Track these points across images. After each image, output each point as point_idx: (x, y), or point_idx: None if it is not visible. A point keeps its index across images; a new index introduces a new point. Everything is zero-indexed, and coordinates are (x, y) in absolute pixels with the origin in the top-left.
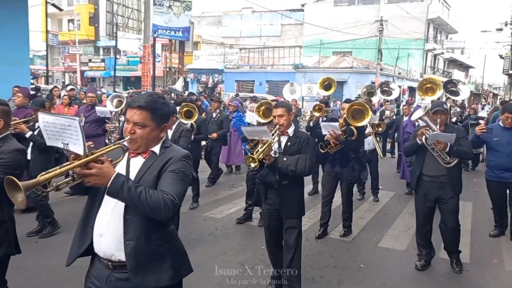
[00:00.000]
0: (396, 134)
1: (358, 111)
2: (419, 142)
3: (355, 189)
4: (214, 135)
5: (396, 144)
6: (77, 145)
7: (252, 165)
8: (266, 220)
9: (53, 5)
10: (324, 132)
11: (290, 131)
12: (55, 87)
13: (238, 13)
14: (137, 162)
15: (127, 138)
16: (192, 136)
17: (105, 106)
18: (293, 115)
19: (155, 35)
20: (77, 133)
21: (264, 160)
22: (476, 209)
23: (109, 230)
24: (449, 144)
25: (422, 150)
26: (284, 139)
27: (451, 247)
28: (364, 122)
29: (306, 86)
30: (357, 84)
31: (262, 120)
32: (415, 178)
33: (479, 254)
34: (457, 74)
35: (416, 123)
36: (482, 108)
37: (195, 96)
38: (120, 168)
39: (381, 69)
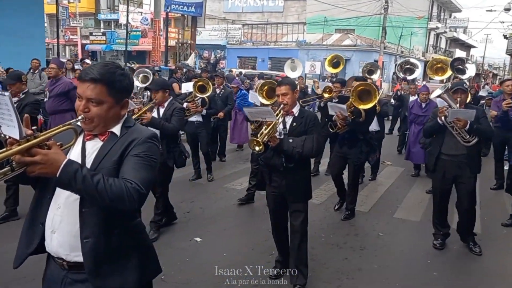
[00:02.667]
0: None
1: (365, 92)
2: (439, 122)
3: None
4: (221, 114)
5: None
6: (12, 127)
7: (257, 148)
8: (271, 204)
9: None
10: (331, 112)
11: (296, 110)
12: (68, 60)
13: None
14: (94, 146)
15: (79, 118)
16: (204, 111)
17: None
18: (297, 93)
19: (168, 10)
20: (10, 112)
21: (268, 143)
22: (482, 185)
23: (62, 226)
24: (469, 122)
25: (441, 129)
26: (289, 119)
27: (465, 229)
28: (371, 104)
29: (309, 63)
30: (360, 62)
31: (265, 102)
32: (433, 158)
33: (489, 226)
34: (459, 54)
35: (423, 104)
36: (483, 87)
37: (207, 74)
38: (74, 154)
39: (384, 48)
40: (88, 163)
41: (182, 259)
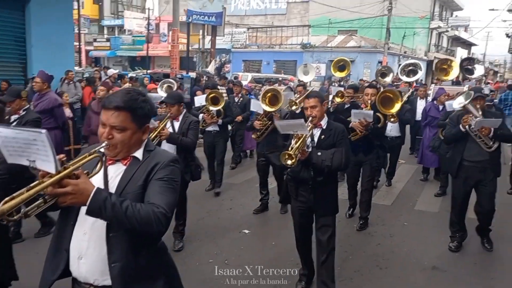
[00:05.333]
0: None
1: (387, 98)
2: (462, 129)
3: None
4: (240, 117)
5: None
6: (46, 162)
7: (289, 162)
8: (297, 218)
9: None
10: (354, 119)
11: (323, 123)
12: (96, 70)
13: None
14: (116, 170)
15: (103, 144)
16: (220, 121)
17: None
18: (326, 105)
19: (190, 20)
20: (45, 148)
21: (297, 155)
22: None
23: (90, 252)
24: (492, 128)
25: (464, 136)
26: (317, 132)
27: (483, 227)
28: (395, 109)
29: (314, 65)
30: (365, 63)
31: (268, 109)
32: (455, 164)
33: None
34: (460, 52)
35: (440, 106)
36: (486, 85)
37: (225, 81)
38: (97, 178)
39: (388, 48)
40: (112, 188)
41: (238, 247)
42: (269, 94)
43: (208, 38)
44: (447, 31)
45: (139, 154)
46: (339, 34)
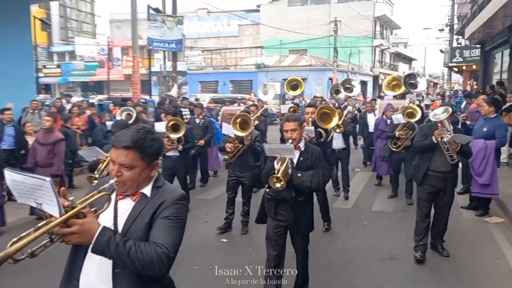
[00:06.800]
0: (362, 129)
1: (325, 114)
2: (435, 141)
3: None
4: (202, 142)
5: (362, 138)
6: (51, 207)
7: (278, 185)
8: (272, 236)
9: (41, 20)
10: None
11: (302, 145)
12: (57, 98)
13: (195, 15)
14: (126, 206)
15: (113, 181)
16: (180, 147)
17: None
18: (304, 128)
19: (151, 47)
20: (50, 194)
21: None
22: None
23: (97, 285)
24: (460, 143)
25: (433, 147)
26: (296, 154)
27: (438, 235)
28: (333, 123)
29: (271, 84)
30: (316, 80)
31: (239, 133)
32: (421, 173)
33: None
34: (402, 67)
35: (388, 121)
36: (426, 96)
37: (187, 102)
38: (107, 213)
39: (337, 66)
40: (120, 223)
41: (219, 254)
42: (239, 119)
43: (168, 63)
44: (388, 48)
45: (147, 190)
46: (290, 54)
